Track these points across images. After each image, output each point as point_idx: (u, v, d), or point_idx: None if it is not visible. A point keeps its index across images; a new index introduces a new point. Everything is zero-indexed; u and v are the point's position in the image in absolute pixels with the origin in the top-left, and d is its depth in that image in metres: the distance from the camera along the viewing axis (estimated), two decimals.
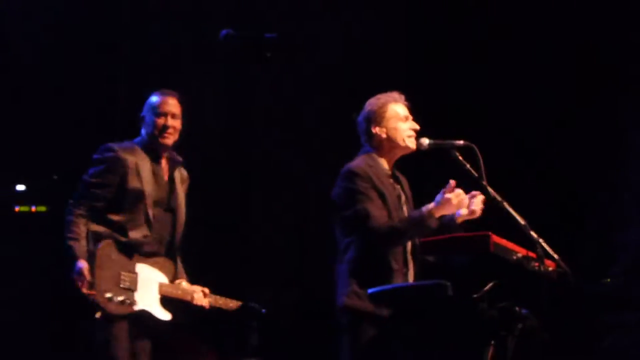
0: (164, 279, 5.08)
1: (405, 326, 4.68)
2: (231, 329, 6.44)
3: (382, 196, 4.78)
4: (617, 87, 6.70)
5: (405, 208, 4.92)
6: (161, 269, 5.09)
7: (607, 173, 6.67)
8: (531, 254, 4.43)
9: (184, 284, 5.17)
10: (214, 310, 5.21)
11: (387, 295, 4.58)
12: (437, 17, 7.12)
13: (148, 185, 5.05)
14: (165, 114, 5.09)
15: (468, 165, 4.76)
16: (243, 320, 6.28)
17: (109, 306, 4.82)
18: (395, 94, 4.96)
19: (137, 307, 4.92)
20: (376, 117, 4.90)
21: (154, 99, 5.15)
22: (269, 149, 6.74)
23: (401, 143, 4.90)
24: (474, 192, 4.75)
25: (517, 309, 4.42)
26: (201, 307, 5.14)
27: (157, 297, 5.03)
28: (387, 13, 7.15)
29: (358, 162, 4.87)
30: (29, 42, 6.82)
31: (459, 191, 4.67)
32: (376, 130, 4.91)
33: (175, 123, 5.11)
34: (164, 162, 5.18)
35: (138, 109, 5.19)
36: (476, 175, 4.72)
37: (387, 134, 4.90)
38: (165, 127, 5.07)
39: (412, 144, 4.90)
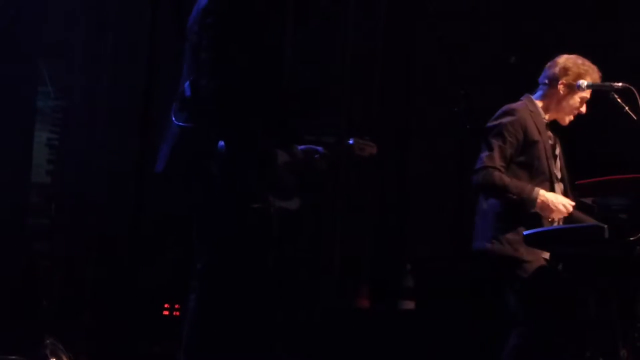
0: None
1: (560, 268, 4.70)
2: (386, 271, 6.55)
3: (533, 143, 4.74)
4: None
5: (556, 161, 4.87)
6: None
7: None
8: None
9: None
10: None
11: (543, 237, 4.56)
12: None
13: None
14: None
15: (627, 108, 4.69)
16: (399, 264, 6.40)
17: None
18: (597, 69, 4.83)
19: None
20: (571, 77, 4.81)
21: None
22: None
23: (561, 113, 4.86)
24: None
25: None
26: None
27: None
28: None
29: (519, 104, 4.86)
30: None
31: (564, 209, 4.63)
32: (561, 86, 4.83)
33: None
34: None
35: None
36: (635, 117, 4.64)
37: (563, 96, 4.84)
38: None
39: (565, 122, 4.87)
